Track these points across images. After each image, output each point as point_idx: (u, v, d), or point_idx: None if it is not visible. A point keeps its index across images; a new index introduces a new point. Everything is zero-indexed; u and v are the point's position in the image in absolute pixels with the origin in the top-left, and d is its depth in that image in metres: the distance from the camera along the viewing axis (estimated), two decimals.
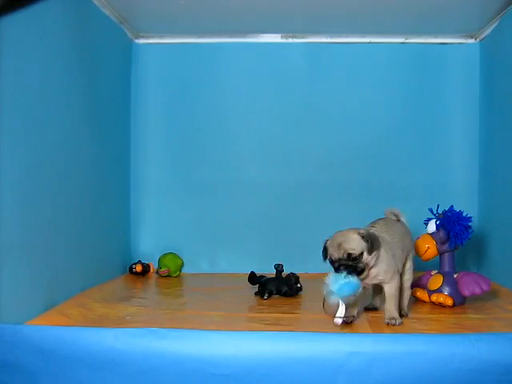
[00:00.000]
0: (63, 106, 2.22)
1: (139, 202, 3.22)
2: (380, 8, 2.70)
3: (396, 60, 3.16)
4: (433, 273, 2.40)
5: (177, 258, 3.12)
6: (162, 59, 3.23)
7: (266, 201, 3.18)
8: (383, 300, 2.05)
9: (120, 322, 1.96)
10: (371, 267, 1.93)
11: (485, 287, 2.21)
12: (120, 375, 1.57)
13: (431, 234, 2.43)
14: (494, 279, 2.50)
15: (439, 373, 1.52)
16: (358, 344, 1.55)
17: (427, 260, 2.42)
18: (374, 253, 1.91)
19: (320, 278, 2.93)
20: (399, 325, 1.92)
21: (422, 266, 2.42)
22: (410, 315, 2.09)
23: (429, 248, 2.39)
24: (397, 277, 2.01)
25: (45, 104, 2.05)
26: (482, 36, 3.05)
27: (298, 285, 2.54)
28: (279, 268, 2.60)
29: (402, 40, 3.14)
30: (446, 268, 2.42)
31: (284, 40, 3.19)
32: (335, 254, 1.91)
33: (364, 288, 1.98)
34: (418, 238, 2.42)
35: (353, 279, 1.86)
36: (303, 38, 3.17)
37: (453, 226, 2.38)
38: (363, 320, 2.03)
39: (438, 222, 2.43)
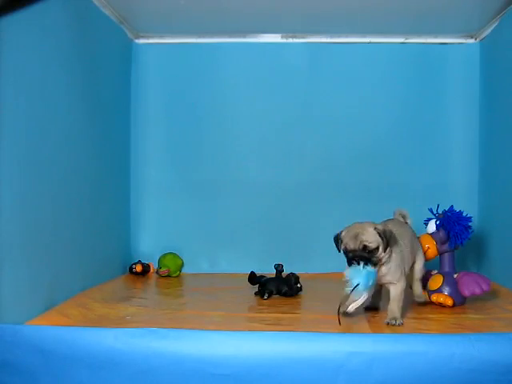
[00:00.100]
0: (63, 106, 2.22)
1: (139, 202, 3.23)
2: (380, 8, 2.70)
3: (396, 60, 3.16)
4: (433, 273, 2.40)
5: (177, 258, 3.12)
6: (162, 59, 3.23)
7: (265, 201, 3.18)
8: (382, 299, 2.05)
9: (120, 322, 1.96)
10: (382, 264, 1.94)
11: (485, 287, 2.21)
12: (120, 375, 1.57)
13: (431, 234, 2.44)
14: (494, 279, 2.50)
15: (439, 373, 1.52)
16: (358, 344, 1.55)
17: (427, 260, 2.41)
18: (388, 249, 1.93)
19: (320, 278, 2.98)
20: (399, 325, 1.92)
21: None
22: (410, 315, 2.09)
23: (429, 248, 2.39)
24: (403, 279, 2.03)
25: (45, 104, 2.05)
26: (482, 36, 3.05)
27: (298, 285, 2.54)
28: (279, 268, 2.60)
29: (402, 40, 3.14)
30: (446, 268, 2.42)
31: (284, 40, 3.20)
32: (351, 244, 1.92)
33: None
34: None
35: (370, 269, 1.89)
36: (303, 38, 3.17)
37: (453, 226, 2.39)
38: (363, 320, 2.03)
39: (437, 222, 2.44)
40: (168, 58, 3.23)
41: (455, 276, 2.33)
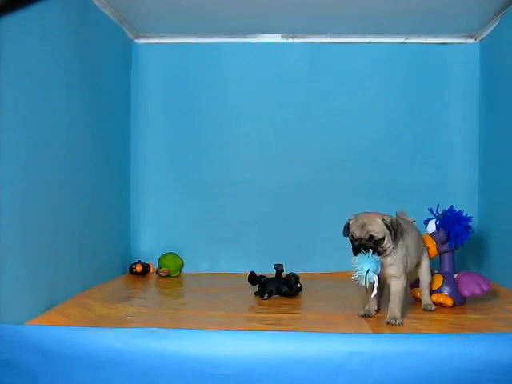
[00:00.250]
0: (63, 106, 2.22)
1: (139, 202, 3.23)
2: (380, 8, 2.70)
3: (396, 60, 3.16)
4: (433, 273, 2.40)
5: (177, 258, 3.12)
6: (162, 59, 3.23)
7: (265, 201, 3.18)
8: (383, 298, 2.06)
9: (120, 322, 1.96)
10: (387, 254, 1.96)
11: (485, 287, 2.21)
12: (120, 375, 1.57)
13: (431, 234, 2.43)
14: (493, 279, 2.50)
15: (439, 373, 1.52)
16: (358, 344, 1.55)
17: None
18: (395, 241, 1.95)
19: (320, 278, 2.98)
20: (399, 325, 1.92)
21: None
22: (409, 315, 2.09)
23: (429, 248, 2.39)
24: (404, 276, 2.04)
25: (45, 104, 2.05)
26: (482, 36, 3.05)
27: (298, 285, 2.54)
28: (279, 268, 2.60)
29: (402, 40, 3.14)
30: (446, 268, 2.42)
31: (284, 40, 3.20)
32: (357, 232, 1.95)
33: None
34: None
35: (376, 256, 1.92)
36: (303, 38, 3.17)
37: (453, 226, 2.39)
38: (363, 320, 2.03)
39: (437, 222, 2.43)
40: (168, 58, 3.23)
41: (455, 276, 2.33)
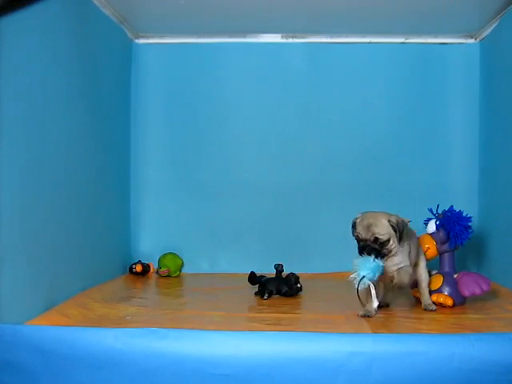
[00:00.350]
0: (63, 106, 2.22)
1: (139, 202, 3.23)
2: (380, 8, 2.70)
3: (396, 60, 3.16)
4: (433, 273, 2.40)
5: (177, 258, 3.12)
6: (162, 59, 3.23)
7: (265, 201, 3.18)
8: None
9: (120, 322, 1.96)
10: (392, 255, 1.97)
11: (485, 287, 2.21)
12: (120, 375, 1.57)
13: (431, 234, 2.43)
14: (493, 279, 2.50)
15: (439, 373, 1.52)
16: (358, 344, 1.55)
17: (427, 260, 2.41)
18: (400, 242, 1.96)
19: (320, 278, 2.98)
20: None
21: None
22: (410, 315, 2.09)
23: (429, 248, 2.39)
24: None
25: (45, 104, 2.05)
26: (482, 36, 3.05)
27: (298, 285, 2.54)
28: (279, 268, 2.59)
29: (402, 40, 3.14)
30: (446, 268, 2.42)
31: (284, 40, 3.19)
32: (363, 234, 1.95)
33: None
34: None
35: (379, 262, 1.92)
36: (303, 38, 3.17)
37: (453, 226, 2.38)
38: (363, 320, 2.03)
39: (437, 222, 2.43)
40: (168, 58, 3.23)
41: (455, 276, 2.33)
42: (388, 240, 1.93)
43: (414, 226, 2.31)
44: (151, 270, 3.12)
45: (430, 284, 2.29)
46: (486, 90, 3.02)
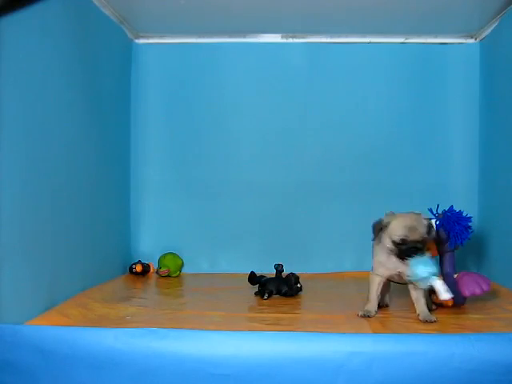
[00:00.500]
0: (63, 106, 2.22)
1: (139, 202, 3.23)
2: (380, 8, 2.70)
3: (396, 60, 3.16)
4: None
5: (177, 258, 3.12)
6: (162, 59, 3.23)
7: (265, 201, 3.18)
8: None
9: (120, 322, 1.96)
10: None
11: (485, 287, 2.21)
12: (120, 375, 1.57)
13: None
14: (494, 279, 2.50)
15: (439, 373, 1.52)
16: (358, 344, 1.55)
17: None
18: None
19: (320, 278, 2.98)
20: (435, 322, 1.96)
21: None
22: (410, 315, 2.09)
23: (429, 248, 2.38)
24: None
25: (45, 104, 2.05)
26: (482, 36, 3.05)
27: (298, 285, 2.54)
28: (279, 268, 2.59)
29: (402, 40, 3.14)
30: (446, 268, 2.41)
31: (284, 40, 3.19)
32: (410, 235, 1.94)
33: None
34: None
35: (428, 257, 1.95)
36: (303, 38, 3.17)
37: (453, 226, 2.38)
38: (363, 320, 2.03)
39: (437, 222, 2.43)
40: (168, 58, 3.23)
41: (455, 276, 2.33)
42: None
43: None
44: (151, 270, 3.12)
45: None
46: (486, 89, 3.02)
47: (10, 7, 1.78)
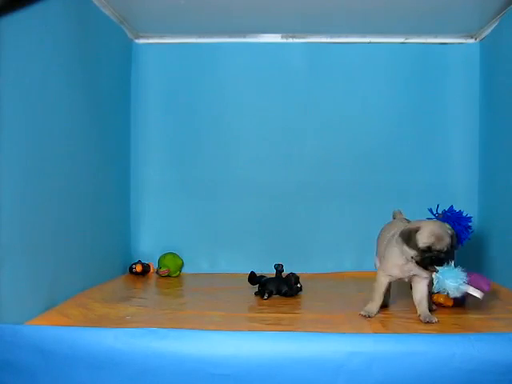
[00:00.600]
0: (63, 106, 2.22)
1: (139, 202, 3.23)
2: (380, 8, 2.70)
3: (396, 60, 3.16)
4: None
5: (177, 258, 3.12)
6: (162, 59, 3.23)
7: (265, 201, 3.18)
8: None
9: (120, 322, 1.96)
10: None
11: (485, 287, 2.20)
12: (120, 375, 1.57)
13: None
14: (494, 279, 2.50)
15: (439, 373, 1.52)
16: (358, 344, 1.55)
17: None
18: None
19: (319, 278, 2.98)
20: (436, 322, 1.95)
21: None
22: (410, 315, 2.09)
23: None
24: None
25: (45, 104, 2.05)
26: (482, 36, 3.05)
27: (298, 285, 2.54)
28: (279, 268, 2.59)
29: (402, 40, 3.14)
30: None
31: (284, 40, 3.19)
32: (438, 245, 1.94)
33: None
34: None
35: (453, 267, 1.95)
36: (303, 38, 3.17)
37: (453, 226, 2.38)
38: (363, 320, 2.03)
39: None
40: (168, 58, 3.23)
41: None
42: None
43: None
44: (151, 270, 3.11)
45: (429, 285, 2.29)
46: (486, 90, 3.02)
47: (10, 7, 1.77)
